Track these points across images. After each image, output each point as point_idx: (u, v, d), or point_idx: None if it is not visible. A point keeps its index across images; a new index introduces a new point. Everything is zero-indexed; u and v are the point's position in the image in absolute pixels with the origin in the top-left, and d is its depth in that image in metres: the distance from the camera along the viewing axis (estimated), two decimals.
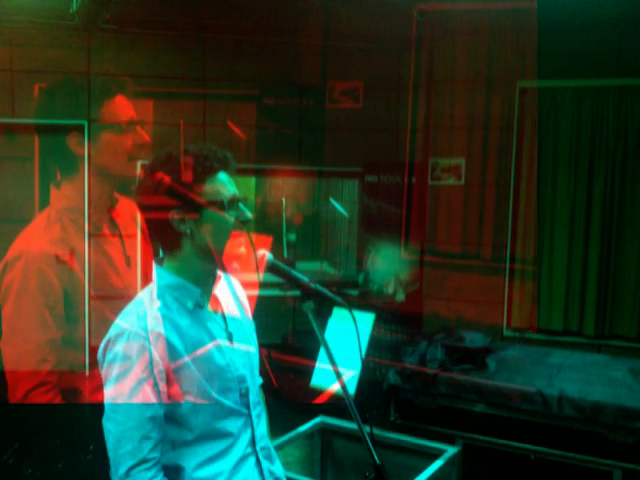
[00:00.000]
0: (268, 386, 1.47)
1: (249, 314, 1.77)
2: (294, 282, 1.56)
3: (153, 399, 1.47)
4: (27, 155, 5.29)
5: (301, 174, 5.98)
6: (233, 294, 1.73)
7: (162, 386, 1.48)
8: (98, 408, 1.50)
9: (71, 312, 1.82)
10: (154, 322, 1.50)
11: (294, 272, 1.58)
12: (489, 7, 4.94)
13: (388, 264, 5.36)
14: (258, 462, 1.65)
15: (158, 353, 1.47)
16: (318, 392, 2.78)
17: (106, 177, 1.56)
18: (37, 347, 1.65)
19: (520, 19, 4.91)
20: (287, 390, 3.28)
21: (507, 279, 5.35)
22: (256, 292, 1.79)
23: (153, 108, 5.44)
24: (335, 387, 2.72)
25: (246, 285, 1.80)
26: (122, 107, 1.53)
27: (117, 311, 1.55)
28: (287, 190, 6.42)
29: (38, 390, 1.63)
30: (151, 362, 1.47)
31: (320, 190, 6.28)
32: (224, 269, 1.65)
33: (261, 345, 1.49)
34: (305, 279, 1.55)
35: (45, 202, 1.94)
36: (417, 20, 4.62)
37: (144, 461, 1.45)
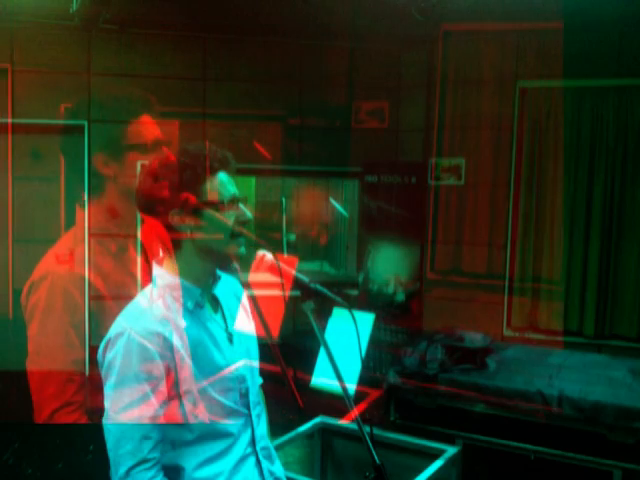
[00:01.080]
0: (293, 406, 1.46)
1: (249, 314, 1.77)
2: (294, 282, 1.56)
3: (153, 399, 1.47)
4: (53, 175, 5.36)
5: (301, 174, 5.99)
6: (233, 294, 1.73)
7: (162, 386, 1.48)
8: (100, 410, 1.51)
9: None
10: (154, 322, 1.50)
11: (294, 272, 1.58)
12: (516, 27, 4.97)
13: (388, 264, 5.37)
14: (258, 462, 1.65)
15: (158, 353, 1.47)
16: (344, 411, 2.77)
17: (210, 254, 1.56)
18: (63, 367, 1.65)
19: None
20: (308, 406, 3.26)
21: (507, 279, 5.35)
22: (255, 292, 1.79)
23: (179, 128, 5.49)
24: (335, 387, 2.72)
25: (246, 285, 1.80)
26: (148, 127, 1.51)
27: (117, 311, 1.55)
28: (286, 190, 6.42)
29: (64, 410, 1.63)
30: (151, 362, 1.47)
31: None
32: (224, 269, 1.65)
33: (287, 365, 1.48)
34: (305, 279, 1.54)
35: (71, 222, 1.94)
36: (417, 20, 4.62)
37: (144, 461, 1.46)
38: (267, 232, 6.33)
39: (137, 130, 1.52)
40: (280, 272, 1.53)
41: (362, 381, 2.74)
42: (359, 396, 3.01)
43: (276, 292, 1.52)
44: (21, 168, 5.51)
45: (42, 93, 5.45)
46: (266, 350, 1.75)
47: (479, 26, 5.14)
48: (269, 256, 1.58)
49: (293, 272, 1.56)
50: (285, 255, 1.57)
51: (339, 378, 1.51)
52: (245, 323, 1.73)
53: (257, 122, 5.76)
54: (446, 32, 5.32)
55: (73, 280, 1.76)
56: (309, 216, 5.96)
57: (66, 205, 5.33)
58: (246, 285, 1.79)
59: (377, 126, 5.67)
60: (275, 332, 1.69)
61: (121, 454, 1.46)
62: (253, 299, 1.62)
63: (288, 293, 1.52)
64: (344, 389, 1.50)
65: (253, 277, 1.56)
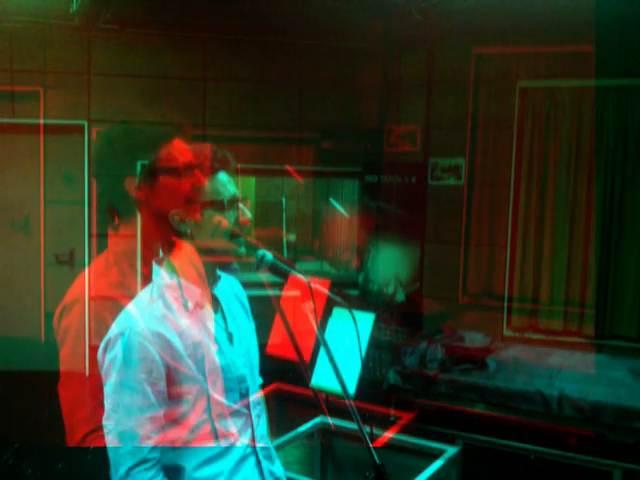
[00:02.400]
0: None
1: (249, 314, 1.77)
2: (327, 302, 1.56)
3: (153, 399, 1.47)
4: (83, 198, 5.37)
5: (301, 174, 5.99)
6: (233, 294, 1.73)
7: (162, 386, 1.48)
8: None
9: None
10: (154, 322, 1.50)
11: (294, 272, 1.57)
12: (548, 50, 4.98)
13: (388, 264, 5.37)
14: (258, 462, 1.65)
15: (158, 353, 1.47)
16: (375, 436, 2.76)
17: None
18: (94, 391, 1.64)
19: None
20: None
21: (507, 279, 5.35)
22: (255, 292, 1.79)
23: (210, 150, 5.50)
24: (335, 387, 2.72)
25: (246, 285, 1.80)
26: (180, 151, 1.51)
27: (117, 311, 1.55)
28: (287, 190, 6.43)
29: (96, 434, 1.63)
30: (151, 362, 1.47)
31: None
32: (224, 269, 1.65)
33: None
34: (305, 279, 1.54)
35: (103, 246, 1.94)
36: (417, 20, 4.62)
37: (144, 461, 1.45)
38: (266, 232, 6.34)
39: (170, 154, 1.51)
40: (313, 296, 1.52)
41: (362, 381, 2.74)
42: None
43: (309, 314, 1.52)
44: (53, 191, 5.55)
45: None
46: (264, 350, 1.75)
47: (512, 48, 5.15)
48: (269, 256, 1.58)
49: (327, 292, 1.56)
50: (318, 278, 1.56)
51: (339, 378, 1.51)
52: (245, 323, 1.73)
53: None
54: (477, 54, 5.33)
55: (105, 304, 1.75)
56: (340, 239, 5.94)
57: (98, 228, 5.35)
58: (246, 285, 1.79)
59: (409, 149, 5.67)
60: (307, 356, 1.69)
61: (121, 454, 1.46)
62: (285, 323, 1.61)
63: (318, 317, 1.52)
64: (344, 389, 1.50)
65: (254, 277, 1.55)
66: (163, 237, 1.57)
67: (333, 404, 2.55)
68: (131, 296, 1.60)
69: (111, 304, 1.75)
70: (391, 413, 4.27)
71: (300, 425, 2.96)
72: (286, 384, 3.09)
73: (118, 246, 1.57)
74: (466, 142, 5.46)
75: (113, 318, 1.54)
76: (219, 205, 1.53)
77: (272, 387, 3.05)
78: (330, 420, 1.38)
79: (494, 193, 5.38)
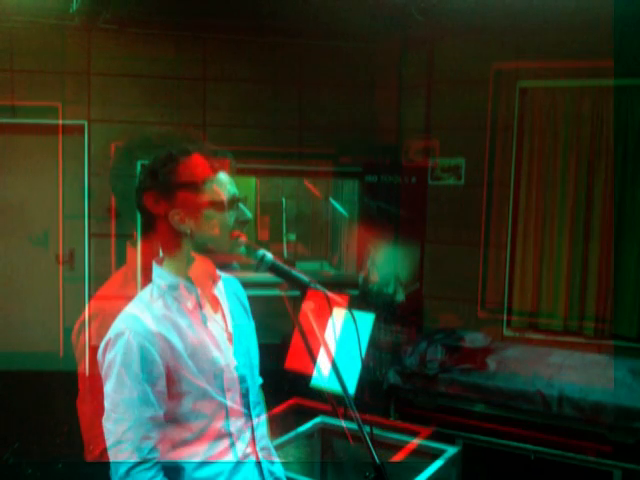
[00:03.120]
0: (371, 464, 1.43)
1: (249, 314, 1.77)
2: (294, 282, 1.56)
3: (153, 399, 1.47)
4: (131, 232, 5.39)
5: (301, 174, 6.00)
6: (233, 294, 1.73)
7: (162, 386, 1.48)
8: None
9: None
10: (154, 322, 1.50)
11: (294, 272, 1.57)
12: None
13: (388, 264, 5.37)
14: (258, 462, 1.65)
15: (158, 353, 1.47)
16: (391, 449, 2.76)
17: (210, 254, 1.56)
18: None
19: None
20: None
21: (507, 279, 5.35)
22: (256, 293, 1.78)
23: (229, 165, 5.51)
24: (335, 387, 2.72)
25: (246, 285, 1.80)
26: (199, 166, 1.51)
27: (117, 311, 1.55)
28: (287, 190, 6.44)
29: (115, 448, 1.63)
30: (151, 362, 1.47)
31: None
32: (224, 269, 1.65)
33: (364, 421, 1.46)
34: (305, 279, 1.54)
35: (121, 261, 1.94)
36: (417, 20, 4.62)
37: (144, 461, 1.46)
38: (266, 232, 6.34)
39: (189, 168, 1.51)
40: (329, 305, 1.52)
41: (362, 381, 2.74)
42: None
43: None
44: (97, 224, 5.54)
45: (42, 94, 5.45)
46: (264, 350, 1.75)
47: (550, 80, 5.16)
48: (269, 256, 1.57)
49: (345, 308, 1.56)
50: (338, 294, 1.56)
51: (339, 378, 1.51)
52: (245, 323, 1.73)
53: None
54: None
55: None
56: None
57: (116, 245, 5.38)
58: (246, 285, 1.79)
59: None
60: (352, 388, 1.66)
61: (121, 454, 1.45)
62: (304, 338, 1.59)
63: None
64: (344, 389, 1.50)
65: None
66: (163, 237, 1.57)
67: (337, 402, 2.55)
68: (131, 296, 1.60)
69: (111, 304, 1.74)
70: (391, 413, 4.27)
71: (346, 461, 2.98)
72: (305, 399, 3.11)
73: (135, 261, 1.57)
74: (466, 142, 5.46)
75: (113, 318, 1.54)
76: (219, 205, 1.53)
77: (291, 402, 3.05)
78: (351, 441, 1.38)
79: (494, 193, 5.38)
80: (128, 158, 1.73)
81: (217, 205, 1.53)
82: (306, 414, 3.24)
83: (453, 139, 5.51)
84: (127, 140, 1.83)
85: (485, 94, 5.37)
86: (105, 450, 1.44)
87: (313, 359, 1.64)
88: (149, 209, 1.55)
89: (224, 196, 1.54)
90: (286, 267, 1.57)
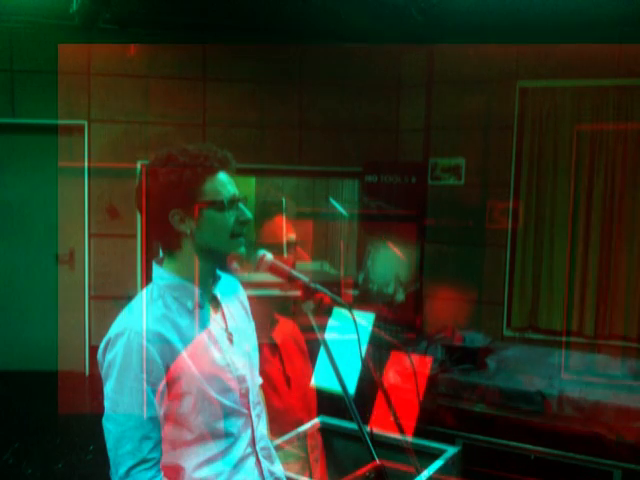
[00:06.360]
0: (371, 463, 1.43)
1: (249, 314, 1.77)
2: (294, 282, 1.56)
3: (153, 399, 1.47)
4: (131, 232, 5.36)
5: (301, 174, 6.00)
6: (233, 294, 1.73)
7: (162, 386, 1.48)
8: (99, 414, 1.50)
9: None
10: (154, 322, 1.50)
11: (294, 272, 1.57)
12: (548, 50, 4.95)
13: (388, 264, 5.36)
14: (258, 462, 1.65)
15: (158, 353, 1.47)
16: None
17: (210, 254, 1.56)
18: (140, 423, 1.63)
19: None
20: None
21: (507, 279, 5.35)
22: (255, 292, 1.78)
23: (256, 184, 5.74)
24: (335, 387, 2.72)
25: (246, 285, 1.80)
26: (199, 166, 1.51)
27: (117, 311, 1.55)
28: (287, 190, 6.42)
29: (140, 467, 1.63)
30: (151, 362, 1.47)
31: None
32: (224, 269, 1.65)
33: (363, 422, 1.46)
34: (305, 279, 1.54)
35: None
36: (417, 20, 4.62)
37: (144, 461, 1.45)
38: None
39: (189, 168, 1.51)
40: (356, 325, 1.51)
41: (362, 381, 2.74)
42: None
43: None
44: (97, 224, 5.54)
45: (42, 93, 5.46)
46: (265, 350, 1.75)
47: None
48: (269, 256, 1.57)
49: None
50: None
51: (339, 378, 1.51)
52: (245, 323, 1.73)
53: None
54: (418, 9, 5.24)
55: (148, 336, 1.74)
56: (359, 254, 5.92)
57: (116, 244, 5.39)
58: (246, 285, 1.79)
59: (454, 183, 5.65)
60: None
61: (121, 454, 1.45)
62: (330, 355, 1.58)
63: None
64: (344, 389, 1.50)
65: (254, 277, 1.55)
66: (163, 237, 1.57)
67: (336, 404, 2.55)
68: (131, 296, 1.60)
69: (111, 304, 1.74)
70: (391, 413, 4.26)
71: (346, 461, 2.98)
72: (330, 417, 3.12)
73: (162, 279, 1.58)
74: (466, 142, 5.46)
75: (113, 318, 1.54)
76: (219, 205, 1.53)
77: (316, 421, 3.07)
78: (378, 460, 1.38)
79: (494, 193, 5.38)
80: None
81: (217, 205, 1.53)
82: (332, 433, 3.24)
83: (453, 139, 5.51)
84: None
85: (485, 94, 5.37)
86: (131, 468, 1.45)
87: (339, 377, 1.61)
88: (149, 209, 1.54)
89: (224, 196, 1.54)
90: (286, 267, 1.58)
